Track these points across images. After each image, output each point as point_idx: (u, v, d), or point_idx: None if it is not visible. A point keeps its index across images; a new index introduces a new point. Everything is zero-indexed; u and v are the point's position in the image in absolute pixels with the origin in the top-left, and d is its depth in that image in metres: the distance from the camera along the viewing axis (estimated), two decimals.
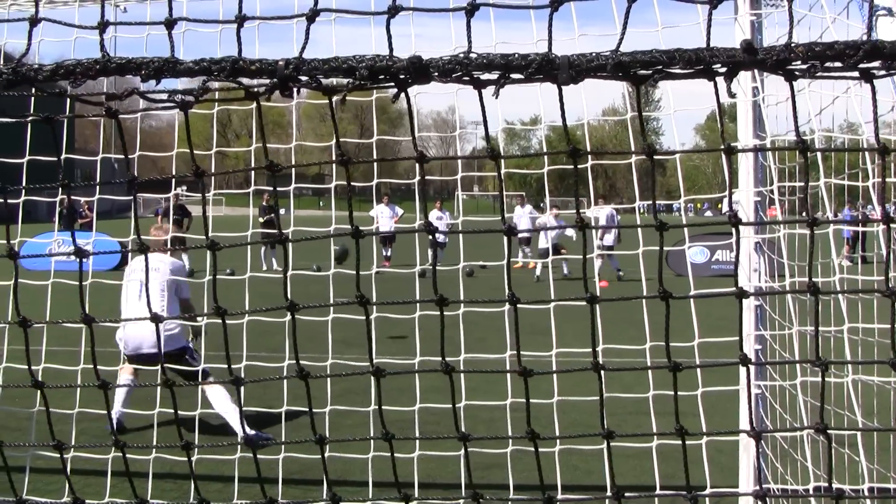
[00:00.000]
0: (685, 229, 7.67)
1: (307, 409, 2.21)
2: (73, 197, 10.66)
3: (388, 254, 30.90)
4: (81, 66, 1.79)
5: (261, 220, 29.27)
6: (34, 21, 1.89)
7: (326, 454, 2.32)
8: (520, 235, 29.27)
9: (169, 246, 9.87)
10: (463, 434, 1.86)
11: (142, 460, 7.15)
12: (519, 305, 1.93)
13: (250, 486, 7.14)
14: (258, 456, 2.34)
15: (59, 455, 2.39)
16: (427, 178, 7.22)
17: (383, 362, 6.29)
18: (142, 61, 1.76)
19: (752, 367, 1.86)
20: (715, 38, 1.72)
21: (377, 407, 2.04)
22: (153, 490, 6.92)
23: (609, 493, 1.80)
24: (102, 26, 1.82)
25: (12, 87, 1.85)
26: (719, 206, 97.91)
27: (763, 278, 6.37)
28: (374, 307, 4.68)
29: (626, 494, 1.66)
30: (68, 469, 6.62)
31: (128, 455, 2.49)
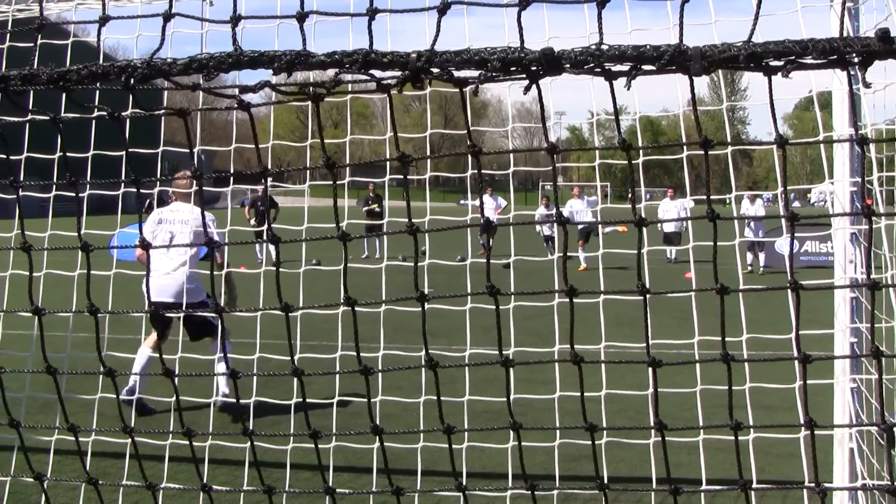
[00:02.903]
0: (782, 220, 7.54)
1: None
2: (160, 188, 10.87)
3: (487, 243, 30.76)
4: (214, 60, 1.83)
5: (364, 209, 29.68)
6: (167, 16, 1.93)
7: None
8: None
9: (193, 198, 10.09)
10: (591, 425, 1.87)
11: (235, 448, 7.31)
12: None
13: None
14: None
15: (188, 441, 2.46)
16: (515, 169, 7.23)
17: (478, 353, 6.27)
18: (273, 54, 1.79)
19: (880, 360, 1.84)
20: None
21: (509, 398, 2.06)
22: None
23: (737, 487, 1.79)
24: (235, 20, 1.85)
25: (146, 81, 1.89)
26: (807, 195, 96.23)
27: (860, 270, 6.26)
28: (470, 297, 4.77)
29: (755, 486, 1.64)
30: (166, 456, 6.74)
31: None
